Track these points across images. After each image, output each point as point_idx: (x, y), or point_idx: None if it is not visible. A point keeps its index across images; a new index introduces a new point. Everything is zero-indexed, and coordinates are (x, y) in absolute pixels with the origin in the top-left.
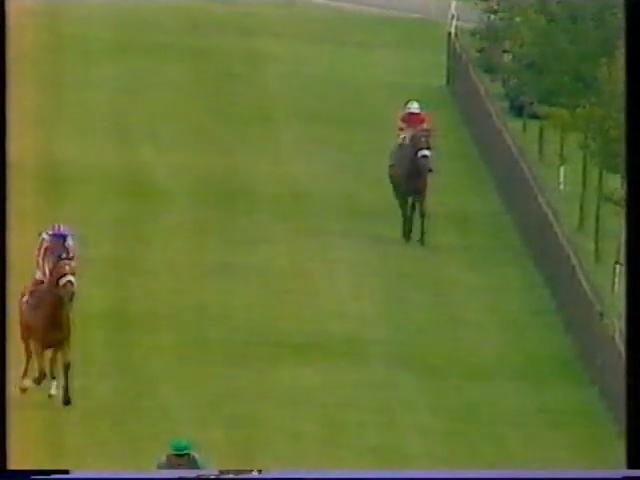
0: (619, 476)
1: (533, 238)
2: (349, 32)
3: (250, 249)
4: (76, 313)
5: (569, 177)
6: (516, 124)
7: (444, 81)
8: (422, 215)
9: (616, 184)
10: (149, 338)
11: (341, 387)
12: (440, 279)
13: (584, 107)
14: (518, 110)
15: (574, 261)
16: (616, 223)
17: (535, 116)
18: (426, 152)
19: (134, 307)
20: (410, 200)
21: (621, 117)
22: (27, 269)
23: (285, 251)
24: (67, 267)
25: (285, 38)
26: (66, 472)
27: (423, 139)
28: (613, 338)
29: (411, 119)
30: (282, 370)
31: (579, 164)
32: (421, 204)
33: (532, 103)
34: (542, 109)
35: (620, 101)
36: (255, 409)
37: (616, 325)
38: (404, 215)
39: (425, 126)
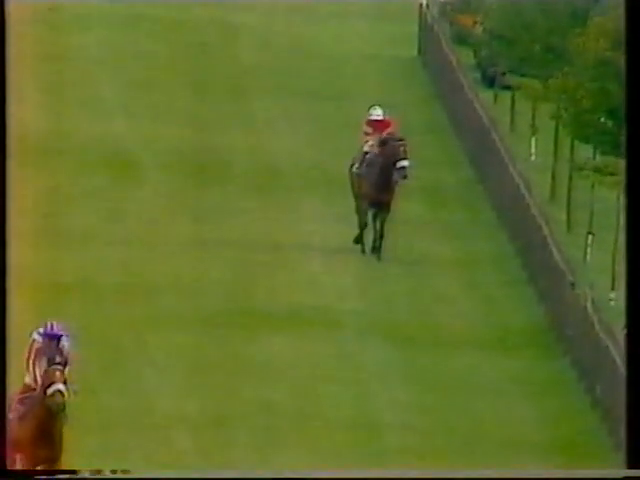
0: (619, 476)
1: (505, 209)
2: (321, 4)
3: (223, 221)
4: (48, 285)
5: (541, 148)
6: (487, 95)
7: (415, 52)
8: (381, 229)
9: (588, 154)
10: (122, 310)
11: (314, 358)
12: (412, 251)
13: (556, 78)
14: (489, 81)
15: (546, 231)
16: (588, 193)
17: (507, 87)
18: (405, 163)
19: (107, 279)
20: (373, 212)
21: (593, 86)
22: None
23: (258, 223)
24: (57, 374)
25: (258, 10)
26: (68, 472)
27: (402, 149)
28: (585, 308)
29: (376, 125)
30: (255, 341)
31: (551, 135)
32: (384, 218)
33: (504, 74)
34: (514, 80)
35: (593, 71)
36: (228, 380)
37: (588, 295)
38: (362, 225)
39: (392, 131)
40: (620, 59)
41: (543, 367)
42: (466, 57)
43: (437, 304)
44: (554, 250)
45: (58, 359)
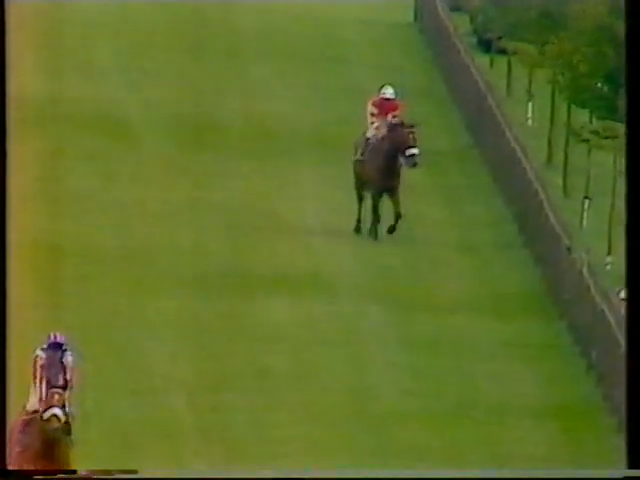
0: (619, 476)
1: (501, 174)
2: None
3: (219, 185)
4: (45, 247)
5: (537, 112)
6: (484, 60)
7: (412, 18)
8: (397, 216)
9: (585, 119)
10: (119, 273)
11: (310, 321)
12: (409, 215)
13: (552, 43)
14: (486, 46)
15: (542, 196)
16: (584, 158)
17: (503, 52)
18: (415, 150)
19: (103, 241)
20: (381, 197)
21: (590, 51)
22: None
23: (254, 187)
24: (56, 397)
25: None
26: (68, 472)
27: (411, 136)
28: (581, 272)
29: (383, 105)
30: (251, 304)
31: (547, 99)
32: (397, 200)
33: (500, 38)
34: (510, 45)
35: (589, 36)
36: (224, 343)
37: (584, 259)
38: (372, 215)
39: (398, 113)
40: (617, 24)
41: (539, 331)
42: (462, 23)
43: (434, 268)
44: (550, 214)
45: (60, 381)
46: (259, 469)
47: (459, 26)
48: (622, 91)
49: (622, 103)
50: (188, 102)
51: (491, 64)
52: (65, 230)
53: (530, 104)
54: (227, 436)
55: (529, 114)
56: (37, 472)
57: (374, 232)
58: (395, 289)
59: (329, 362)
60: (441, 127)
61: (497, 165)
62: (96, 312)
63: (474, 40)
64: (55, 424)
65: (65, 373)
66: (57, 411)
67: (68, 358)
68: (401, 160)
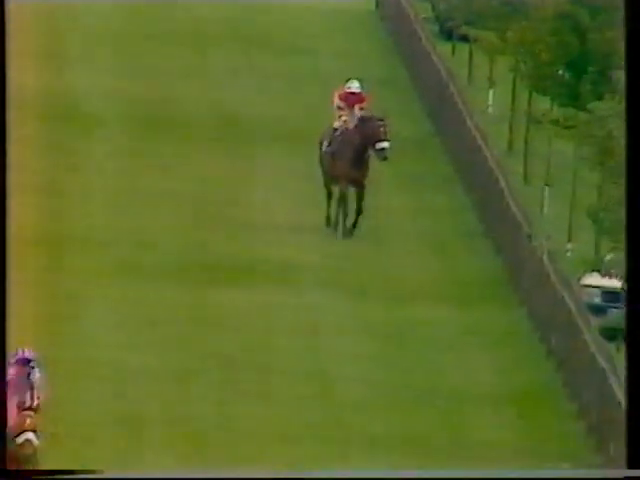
0: (619, 476)
1: (462, 162)
2: None
3: (184, 175)
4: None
5: (498, 100)
6: (445, 48)
7: (374, 5)
8: (359, 211)
9: (545, 106)
10: (82, 262)
11: (271, 310)
12: (369, 204)
13: (514, 31)
14: (447, 34)
15: (503, 184)
16: (545, 145)
17: (464, 39)
18: (386, 144)
19: (66, 231)
20: (347, 190)
21: (552, 40)
22: None
23: (220, 177)
24: (28, 420)
25: None
26: (68, 472)
27: (382, 129)
28: (541, 259)
29: (349, 98)
30: (215, 294)
31: (508, 87)
32: (361, 195)
33: (461, 26)
34: (471, 32)
35: (551, 24)
36: (187, 333)
37: (544, 246)
38: (338, 207)
39: (365, 106)
40: (579, 12)
41: (499, 318)
42: (424, 10)
43: (395, 257)
44: (511, 202)
45: (29, 401)
46: (259, 469)
47: (421, 14)
48: (584, 78)
49: (583, 90)
50: (154, 92)
51: (453, 52)
52: (27, 219)
53: (491, 92)
54: (192, 426)
55: (490, 102)
56: (37, 472)
57: (343, 226)
58: (357, 279)
59: (293, 352)
60: (402, 115)
61: (458, 153)
62: (58, 301)
63: (436, 28)
64: (29, 450)
65: (33, 392)
66: (31, 436)
67: (36, 375)
68: (371, 153)
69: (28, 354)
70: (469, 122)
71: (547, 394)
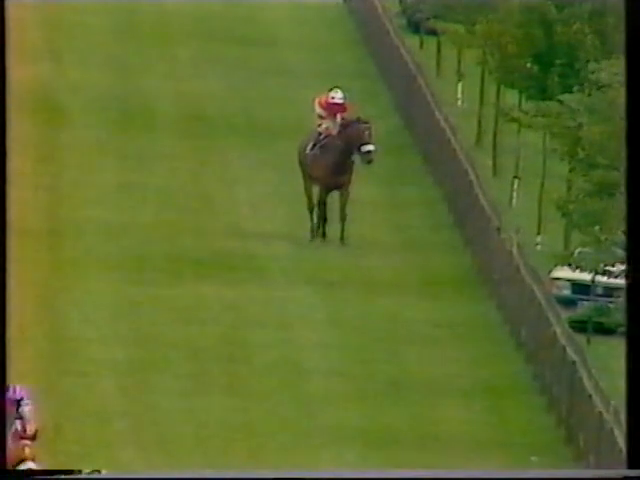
0: (619, 476)
1: (431, 154)
2: None
3: (149, 167)
4: None
5: (467, 93)
6: (413, 41)
7: None
8: (343, 217)
9: (514, 100)
10: (49, 255)
11: (240, 303)
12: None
13: (481, 24)
14: (415, 27)
15: (472, 176)
16: (514, 138)
17: (432, 32)
18: (370, 147)
19: (34, 224)
20: (324, 196)
21: (518, 33)
22: None
23: (184, 169)
24: (27, 450)
25: None
26: (68, 472)
27: (366, 133)
28: (510, 252)
29: (332, 108)
30: (182, 287)
31: (477, 80)
32: (345, 200)
33: (429, 19)
34: (439, 25)
35: (518, 17)
36: (155, 326)
37: (513, 239)
38: (318, 212)
39: (347, 116)
40: (546, 5)
41: (468, 310)
42: (392, 3)
43: (363, 248)
44: (480, 194)
45: (27, 430)
46: (258, 469)
47: (388, 7)
48: (551, 71)
49: (551, 83)
50: (118, 85)
51: (421, 45)
52: None
53: (460, 85)
54: (158, 419)
55: (459, 94)
56: (37, 472)
57: (322, 231)
58: (325, 271)
59: (260, 344)
60: (371, 108)
61: (427, 145)
62: (26, 294)
63: (403, 21)
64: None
65: (24, 422)
66: (32, 466)
67: (24, 408)
68: (356, 156)
69: (19, 394)
70: (438, 115)
71: (517, 387)
